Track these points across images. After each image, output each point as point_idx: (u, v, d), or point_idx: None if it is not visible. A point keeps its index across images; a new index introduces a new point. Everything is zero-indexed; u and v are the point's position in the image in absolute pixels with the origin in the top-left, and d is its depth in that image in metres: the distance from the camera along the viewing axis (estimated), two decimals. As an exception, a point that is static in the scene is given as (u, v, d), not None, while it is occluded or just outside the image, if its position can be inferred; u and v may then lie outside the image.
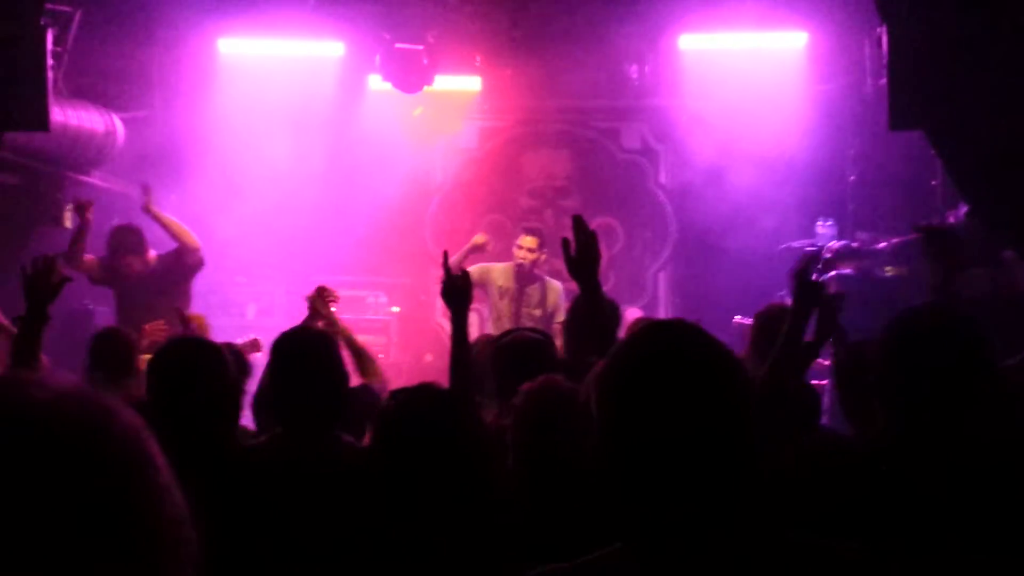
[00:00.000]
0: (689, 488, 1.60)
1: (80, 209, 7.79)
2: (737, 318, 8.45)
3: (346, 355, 4.78)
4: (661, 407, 1.61)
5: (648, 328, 1.76)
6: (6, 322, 5.56)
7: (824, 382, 7.35)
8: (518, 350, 4.15)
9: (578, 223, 3.31)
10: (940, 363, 2.47)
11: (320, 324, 5.24)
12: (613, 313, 5.29)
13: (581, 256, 3.27)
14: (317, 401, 3.12)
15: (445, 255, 4.11)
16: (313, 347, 3.21)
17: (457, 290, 3.86)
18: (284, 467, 2.98)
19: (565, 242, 3.31)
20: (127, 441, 1.10)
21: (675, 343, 1.67)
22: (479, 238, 8.37)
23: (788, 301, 8.76)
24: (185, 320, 5.81)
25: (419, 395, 2.58)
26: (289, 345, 3.23)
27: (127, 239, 7.72)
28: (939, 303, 2.67)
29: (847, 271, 8.54)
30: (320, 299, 5.47)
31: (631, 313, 10.37)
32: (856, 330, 5.17)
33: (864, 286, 8.47)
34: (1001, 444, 2.45)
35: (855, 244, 9.07)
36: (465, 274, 3.92)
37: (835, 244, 9.03)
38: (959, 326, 2.55)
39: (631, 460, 1.63)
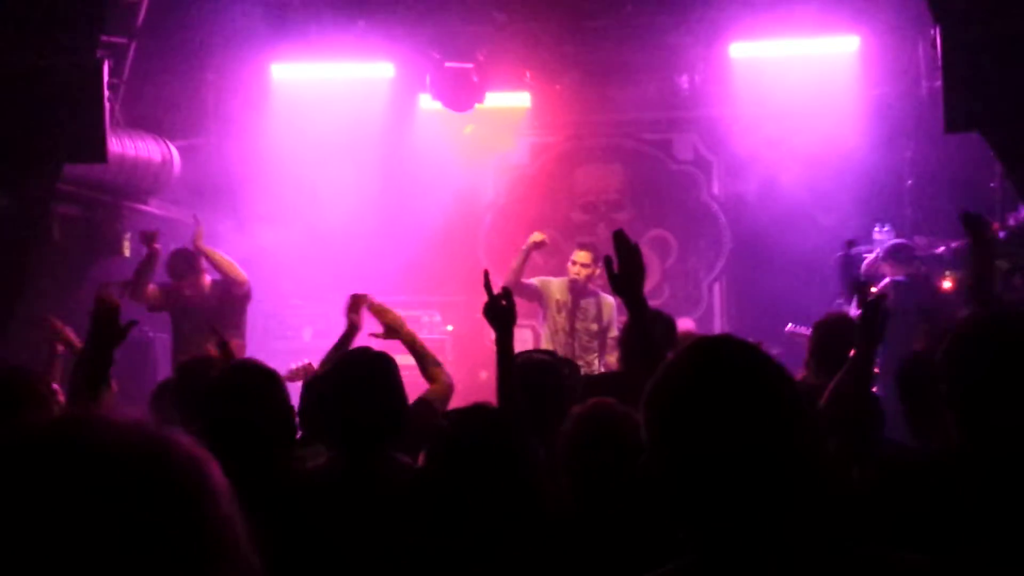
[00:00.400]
0: (742, 503, 1.60)
1: (147, 239, 7.81)
2: (789, 326, 8.36)
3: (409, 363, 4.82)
4: (708, 425, 1.61)
5: (694, 346, 1.75)
6: (78, 344, 5.61)
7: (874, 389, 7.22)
8: (527, 372, 4.14)
9: (619, 238, 3.26)
10: (1012, 371, 2.42)
11: (383, 331, 5.24)
12: (665, 327, 5.27)
13: (624, 271, 3.22)
14: (376, 422, 3.12)
15: (486, 275, 4.07)
16: (374, 368, 3.20)
17: (499, 310, 3.82)
18: (342, 489, 2.98)
19: (607, 260, 3.26)
20: (189, 471, 1.12)
21: (722, 359, 1.68)
22: (536, 236, 8.30)
23: (845, 309, 8.70)
24: (224, 346, 5.80)
25: (472, 415, 2.58)
26: (350, 365, 3.23)
27: (182, 264, 7.82)
28: (1004, 310, 2.59)
29: (900, 278, 8.38)
30: (354, 306, 5.49)
31: (682, 323, 10.34)
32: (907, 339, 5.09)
33: (921, 293, 8.32)
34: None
35: (909, 243, 8.90)
36: (507, 293, 3.86)
37: (889, 243, 8.85)
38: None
39: (681, 478, 1.63)
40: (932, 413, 3.48)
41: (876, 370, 5.67)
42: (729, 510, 1.60)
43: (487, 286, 3.97)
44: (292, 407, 3.25)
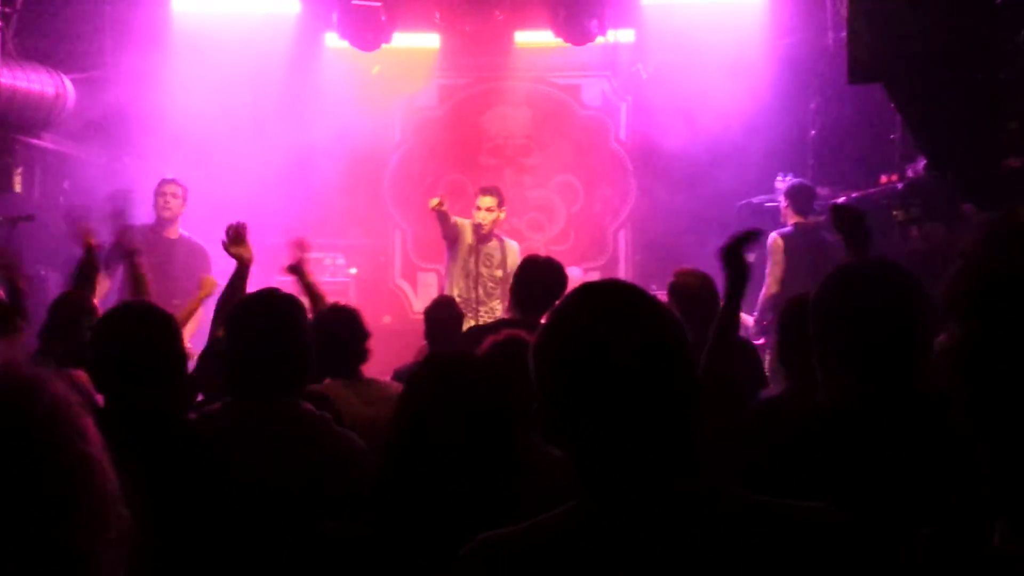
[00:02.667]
0: (638, 447, 1.60)
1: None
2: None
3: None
4: (593, 371, 1.60)
5: (581, 290, 1.72)
6: None
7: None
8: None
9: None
10: (881, 319, 2.44)
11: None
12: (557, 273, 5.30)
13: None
14: (278, 366, 3.03)
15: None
16: (279, 314, 3.10)
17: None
18: (233, 436, 2.91)
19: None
20: (54, 414, 1.10)
21: (608, 303, 1.66)
22: (433, 202, 8.12)
23: (748, 258, 8.72)
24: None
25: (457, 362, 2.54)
26: (252, 310, 3.13)
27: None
28: (877, 259, 2.62)
29: (788, 229, 8.46)
30: (236, 239, 5.40)
31: (574, 273, 10.39)
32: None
33: (811, 243, 8.43)
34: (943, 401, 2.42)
35: (808, 184, 9.00)
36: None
37: (789, 184, 8.92)
38: (899, 281, 2.50)
39: (574, 423, 1.62)
40: (803, 357, 3.54)
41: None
42: (617, 455, 1.60)
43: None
44: (184, 350, 3.17)
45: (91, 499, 1.10)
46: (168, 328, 3.07)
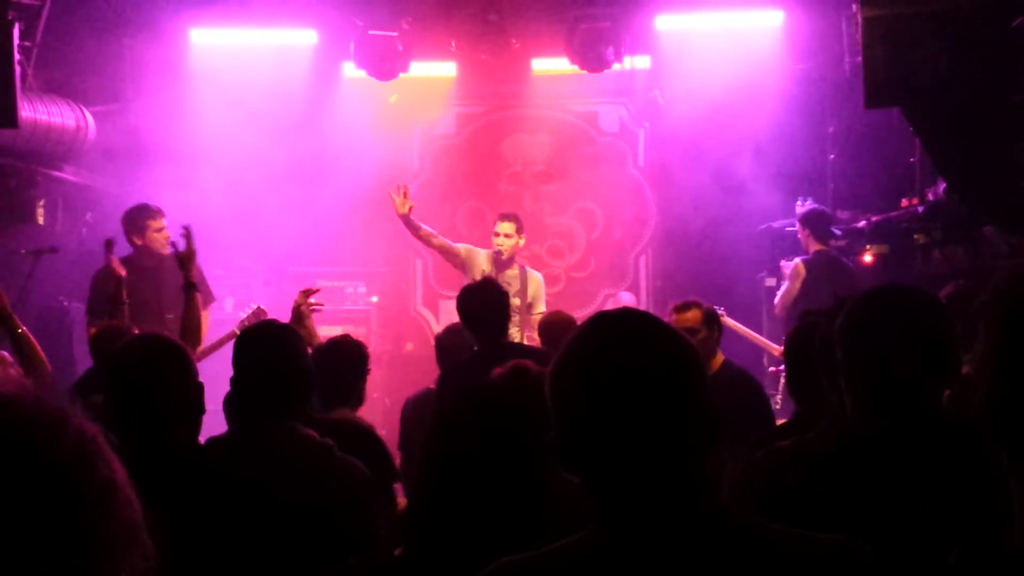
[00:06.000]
0: (653, 475, 1.60)
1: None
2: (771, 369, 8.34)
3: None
4: (607, 398, 1.60)
5: (595, 320, 1.72)
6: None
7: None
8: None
9: None
10: (906, 345, 2.42)
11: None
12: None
13: None
14: (268, 393, 3.07)
15: None
16: (274, 341, 3.16)
17: None
18: (234, 462, 2.94)
19: None
20: (78, 447, 1.13)
21: (623, 332, 1.66)
22: (398, 203, 8.32)
23: (768, 282, 8.73)
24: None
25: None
26: (250, 339, 3.18)
27: None
28: (902, 284, 2.61)
29: (810, 257, 8.45)
30: (306, 304, 5.51)
31: (625, 298, 10.37)
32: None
33: (833, 270, 8.41)
34: (966, 427, 2.40)
35: (824, 209, 9.00)
36: None
37: (803, 208, 8.91)
38: (924, 306, 2.49)
39: (589, 451, 1.62)
40: (812, 381, 3.54)
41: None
42: (630, 482, 1.60)
43: None
44: (198, 382, 3.19)
45: (118, 529, 1.12)
46: (182, 362, 3.10)
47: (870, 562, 1.62)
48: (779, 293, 8.44)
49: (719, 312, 6.38)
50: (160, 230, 7.35)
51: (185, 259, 5.70)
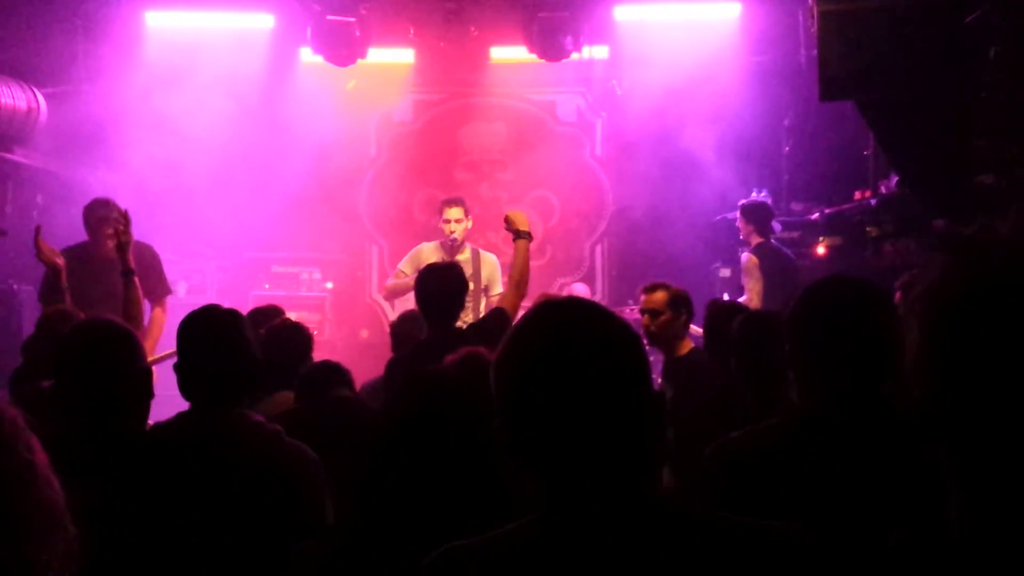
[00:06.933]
0: (596, 462, 1.61)
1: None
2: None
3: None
4: (553, 387, 1.61)
5: (540, 308, 1.73)
6: None
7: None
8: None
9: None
10: (851, 332, 2.47)
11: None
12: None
13: None
14: (220, 378, 3.04)
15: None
16: (220, 326, 3.13)
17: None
18: (181, 448, 2.92)
19: None
20: None
21: (567, 320, 1.67)
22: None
23: (723, 272, 8.79)
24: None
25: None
26: (195, 324, 3.15)
27: None
28: (849, 276, 2.67)
29: (756, 248, 8.51)
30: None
31: (578, 289, 10.39)
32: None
33: (778, 260, 8.51)
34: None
35: (764, 201, 9.07)
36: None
37: (746, 201, 8.97)
38: (869, 296, 2.54)
39: (532, 438, 1.63)
40: (765, 371, 3.61)
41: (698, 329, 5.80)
42: (573, 468, 1.61)
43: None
44: (146, 367, 3.16)
45: (38, 512, 1.10)
46: (130, 346, 3.08)
47: (810, 548, 1.64)
48: (748, 293, 8.45)
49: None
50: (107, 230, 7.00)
51: (120, 247, 5.62)
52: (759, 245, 8.53)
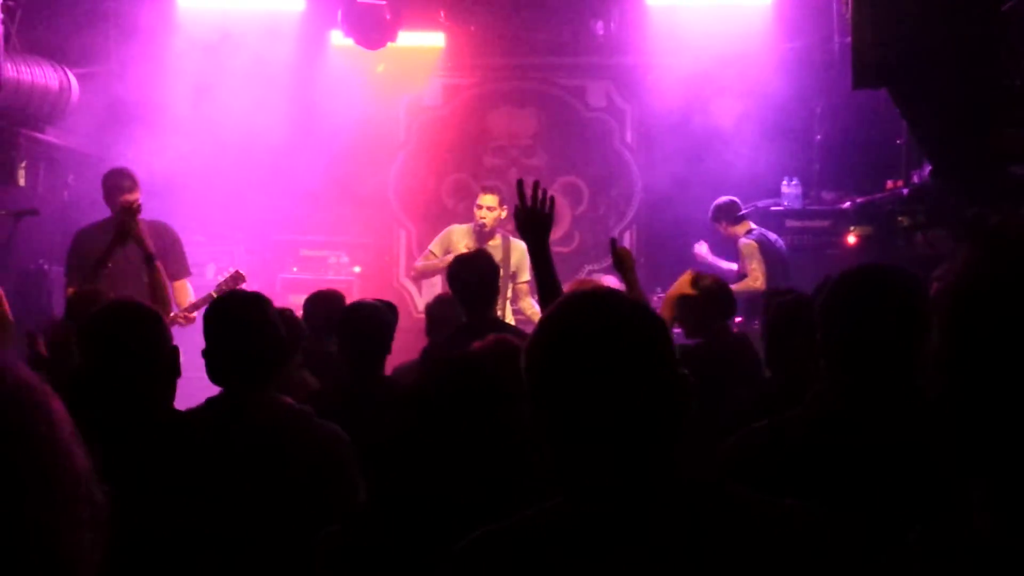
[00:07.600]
0: (624, 443, 1.64)
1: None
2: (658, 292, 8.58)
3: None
4: (586, 374, 1.65)
5: (569, 298, 1.79)
6: None
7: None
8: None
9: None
10: (882, 321, 2.45)
11: None
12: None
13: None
14: (249, 361, 3.06)
15: (519, 183, 3.90)
16: (247, 309, 3.14)
17: (532, 216, 3.74)
18: (216, 430, 2.93)
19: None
20: (18, 398, 1.10)
21: (596, 311, 1.71)
22: None
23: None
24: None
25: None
26: (223, 308, 3.16)
27: None
28: (882, 264, 2.66)
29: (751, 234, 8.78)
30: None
31: (609, 282, 10.35)
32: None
33: (768, 241, 8.89)
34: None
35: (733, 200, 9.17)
36: (546, 201, 3.75)
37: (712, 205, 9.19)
38: (902, 285, 2.51)
39: (563, 423, 1.67)
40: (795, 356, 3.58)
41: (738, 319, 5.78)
42: (602, 454, 1.65)
43: (521, 194, 3.85)
44: (173, 346, 3.18)
45: (58, 481, 1.09)
46: (156, 325, 3.09)
47: (829, 526, 1.68)
48: (752, 274, 8.65)
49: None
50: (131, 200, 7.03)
51: (120, 236, 5.63)
52: (748, 232, 8.86)
